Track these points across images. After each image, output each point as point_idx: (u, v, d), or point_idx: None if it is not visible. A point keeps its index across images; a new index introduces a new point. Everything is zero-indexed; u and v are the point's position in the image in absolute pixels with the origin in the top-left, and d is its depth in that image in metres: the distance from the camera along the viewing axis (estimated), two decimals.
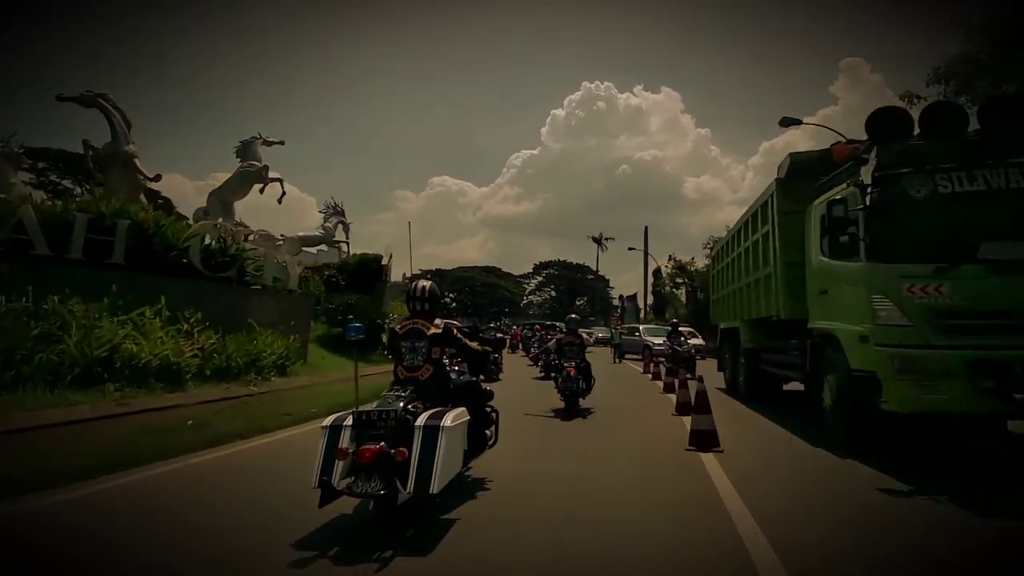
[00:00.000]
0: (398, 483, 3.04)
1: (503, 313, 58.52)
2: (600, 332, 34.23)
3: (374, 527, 3.22)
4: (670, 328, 16.09)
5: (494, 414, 4.48)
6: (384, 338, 16.54)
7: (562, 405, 7.99)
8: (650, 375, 14.29)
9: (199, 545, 3.06)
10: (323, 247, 24.72)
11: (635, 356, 20.81)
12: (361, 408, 3.30)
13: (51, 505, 3.74)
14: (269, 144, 19.10)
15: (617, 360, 20.96)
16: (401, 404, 3.34)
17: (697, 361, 15.66)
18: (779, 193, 7.27)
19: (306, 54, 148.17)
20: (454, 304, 56.12)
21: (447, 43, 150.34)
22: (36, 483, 4.03)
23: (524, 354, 22.30)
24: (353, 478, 3.11)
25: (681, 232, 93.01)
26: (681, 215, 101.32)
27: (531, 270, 70.36)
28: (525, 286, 69.68)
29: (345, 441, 3.20)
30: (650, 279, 42.10)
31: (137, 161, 14.45)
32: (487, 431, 4.33)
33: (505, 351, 18.21)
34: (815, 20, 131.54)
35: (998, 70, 13.49)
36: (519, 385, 12.30)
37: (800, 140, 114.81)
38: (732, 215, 65.72)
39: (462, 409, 3.63)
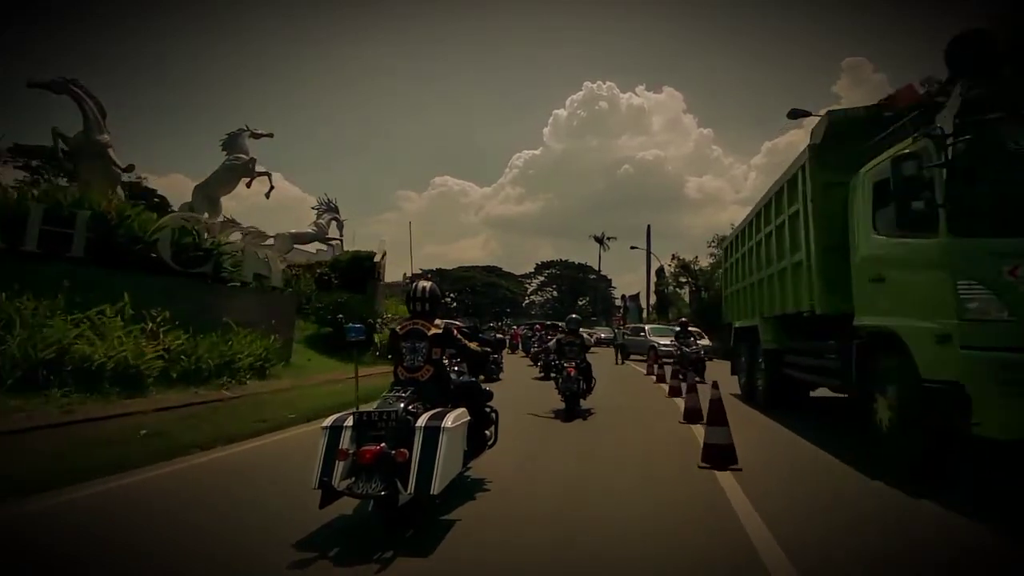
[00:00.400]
0: (399, 484, 3.03)
1: (504, 313, 57.78)
2: (602, 332, 33.52)
3: (374, 528, 3.19)
4: (678, 328, 15.19)
5: (494, 414, 4.48)
6: (376, 339, 15.80)
7: (562, 406, 7.88)
8: (654, 377, 13.52)
9: (199, 545, 3.06)
10: (321, 246, 24.00)
11: (640, 358, 19.99)
12: (362, 409, 3.28)
13: (51, 506, 3.70)
14: (257, 136, 18.40)
15: (620, 361, 20.15)
16: (402, 405, 3.34)
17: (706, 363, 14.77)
18: (814, 162, 5.90)
19: (306, 54, 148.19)
20: (455, 304, 55.40)
21: (448, 43, 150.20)
22: None
23: (524, 354, 21.91)
24: (354, 479, 3.09)
25: (683, 232, 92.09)
26: (683, 215, 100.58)
27: (533, 270, 69.88)
28: (527, 286, 69.08)
29: (345, 442, 3.19)
30: (652, 278, 41.32)
31: (112, 152, 13.61)
32: (487, 431, 4.33)
33: (505, 351, 18.01)
34: (817, 20, 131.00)
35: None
36: (519, 385, 12.01)
37: (804, 139, 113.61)
38: (735, 215, 65.04)
39: (462, 410, 3.61)
